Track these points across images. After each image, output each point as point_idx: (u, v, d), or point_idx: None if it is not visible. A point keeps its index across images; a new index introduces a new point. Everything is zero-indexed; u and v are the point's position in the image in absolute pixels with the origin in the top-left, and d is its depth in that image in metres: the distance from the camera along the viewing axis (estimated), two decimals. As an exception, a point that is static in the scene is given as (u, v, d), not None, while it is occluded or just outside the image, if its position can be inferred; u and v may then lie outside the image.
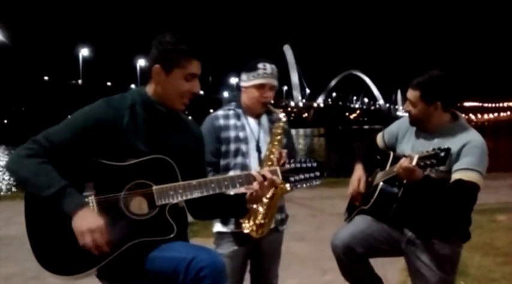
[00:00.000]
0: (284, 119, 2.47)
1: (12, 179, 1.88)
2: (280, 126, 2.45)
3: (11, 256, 4.29)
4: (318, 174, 1.91)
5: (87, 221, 1.66)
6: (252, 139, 2.47)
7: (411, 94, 2.38)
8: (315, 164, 1.91)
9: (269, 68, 2.44)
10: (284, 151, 2.38)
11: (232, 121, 2.48)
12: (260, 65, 2.44)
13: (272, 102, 2.58)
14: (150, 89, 1.89)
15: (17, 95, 59.35)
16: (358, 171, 2.60)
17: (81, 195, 1.72)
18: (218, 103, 2.61)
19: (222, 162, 2.46)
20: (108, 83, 79.37)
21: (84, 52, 74.96)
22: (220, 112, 2.52)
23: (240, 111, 2.51)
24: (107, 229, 1.69)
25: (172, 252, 1.72)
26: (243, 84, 2.50)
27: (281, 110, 2.51)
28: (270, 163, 2.35)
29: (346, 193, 2.74)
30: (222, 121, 2.47)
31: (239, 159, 2.43)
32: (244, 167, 2.40)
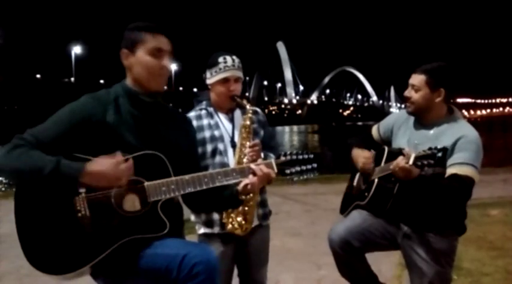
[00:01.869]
0: (252, 110, 2.37)
1: (4, 177, 1.83)
2: (247, 118, 2.36)
3: (4, 254, 4.27)
4: (314, 165, 1.90)
5: (99, 166, 1.65)
6: (226, 136, 2.39)
7: (416, 78, 2.38)
8: (311, 156, 1.90)
9: (229, 60, 2.36)
10: (256, 142, 2.30)
11: (205, 121, 2.40)
12: (220, 59, 2.36)
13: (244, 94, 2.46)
14: (128, 79, 1.87)
15: (9, 93, 58.90)
16: (359, 151, 2.55)
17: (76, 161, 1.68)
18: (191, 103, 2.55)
19: (200, 164, 2.31)
20: (101, 81, 78.90)
21: (76, 50, 74.68)
22: (192, 113, 2.43)
23: (211, 109, 2.43)
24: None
25: (165, 249, 1.70)
26: (208, 81, 2.43)
27: (248, 102, 2.41)
28: (242, 156, 2.28)
29: (340, 189, 2.73)
30: (194, 123, 2.33)
31: (217, 159, 2.34)
32: (223, 166, 2.28)
